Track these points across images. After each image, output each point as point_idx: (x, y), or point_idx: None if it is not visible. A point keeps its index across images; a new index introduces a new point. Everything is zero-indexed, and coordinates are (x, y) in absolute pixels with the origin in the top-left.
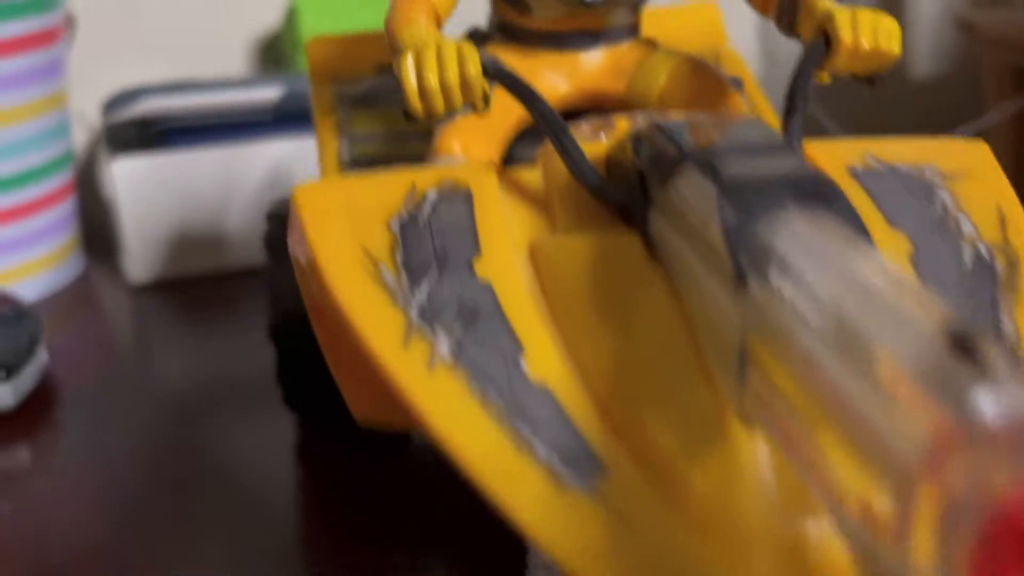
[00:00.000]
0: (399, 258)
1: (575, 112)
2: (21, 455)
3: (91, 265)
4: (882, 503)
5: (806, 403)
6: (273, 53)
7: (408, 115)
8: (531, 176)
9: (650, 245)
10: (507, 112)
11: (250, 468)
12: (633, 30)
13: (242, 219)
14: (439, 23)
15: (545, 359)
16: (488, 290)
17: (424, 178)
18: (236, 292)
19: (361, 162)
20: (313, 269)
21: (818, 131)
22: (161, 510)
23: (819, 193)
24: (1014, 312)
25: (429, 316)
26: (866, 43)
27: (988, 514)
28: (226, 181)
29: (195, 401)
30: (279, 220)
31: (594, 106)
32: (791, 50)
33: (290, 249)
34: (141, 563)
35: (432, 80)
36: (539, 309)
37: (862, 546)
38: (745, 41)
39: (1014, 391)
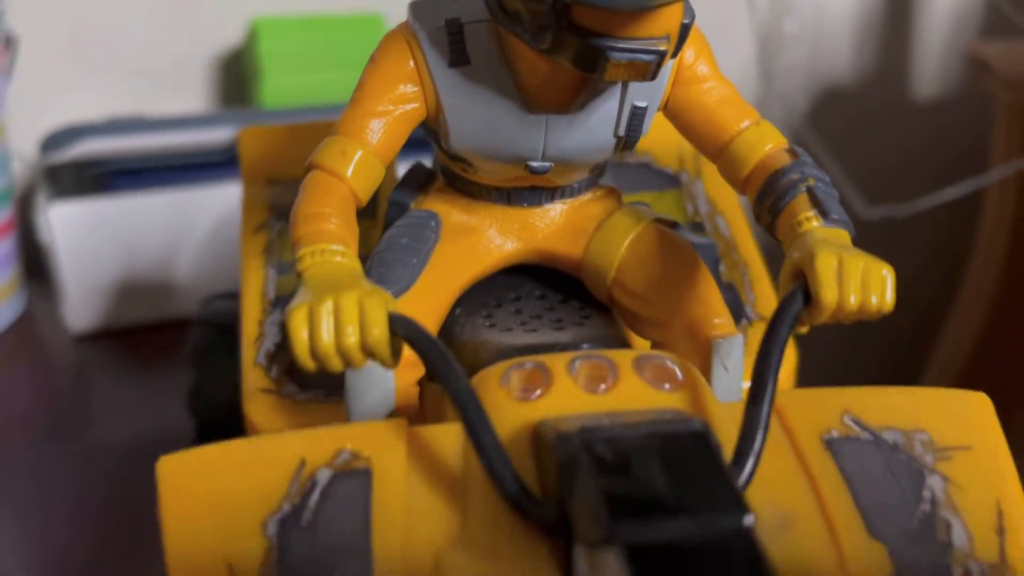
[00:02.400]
0: None
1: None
2: None
3: (33, 305)
4: None
5: None
6: (235, 77)
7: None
8: (450, 440)
9: (570, 557)
10: (469, 257)
11: None
12: (594, 180)
13: (189, 267)
14: (359, 205)
15: None
16: None
17: (317, 451)
18: (179, 343)
19: (286, 301)
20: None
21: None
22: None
23: None
24: None
25: None
26: (853, 301)
27: None
28: (173, 227)
29: (134, 455)
30: (207, 327)
31: (547, 264)
32: (790, 64)
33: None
34: None
35: (325, 343)
36: None
37: None
38: (744, 59)
39: None
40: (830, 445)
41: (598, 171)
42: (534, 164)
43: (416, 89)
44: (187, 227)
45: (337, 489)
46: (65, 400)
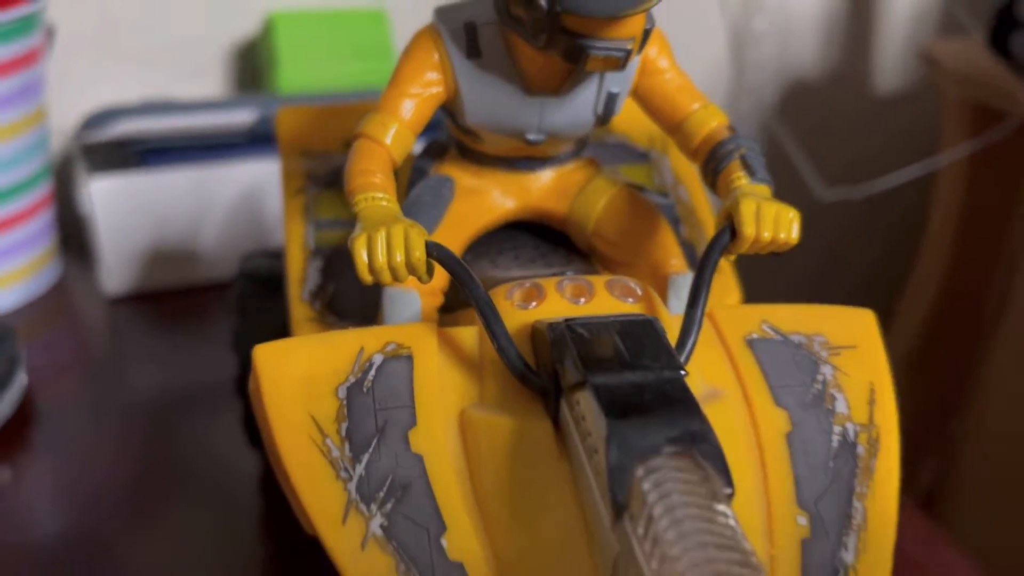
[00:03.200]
0: (344, 430)
1: (522, 222)
2: (2, 475)
3: (68, 271)
4: None
5: None
6: (250, 66)
7: (361, 278)
8: (468, 338)
9: (560, 432)
10: (477, 212)
11: (222, 471)
12: (579, 150)
13: (214, 236)
14: (395, 165)
15: (463, 541)
16: (420, 463)
17: (372, 342)
18: (207, 304)
19: (324, 251)
20: (268, 432)
21: (780, 150)
22: (137, 520)
23: (694, 437)
24: (866, 498)
25: (366, 493)
26: (767, 235)
27: None
28: (200, 200)
29: (167, 410)
30: (247, 279)
31: (539, 219)
32: (759, 59)
33: (251, 400)
34: (118, 572)
35: (380, 261)
36: (463, 483)
37: None
38: (716, 54)
39: None
40: (750, 344)
41: (581, 145)
42: (531, 136)
43: (440, 76)
44: (212, 200)
45: (387, 368)
46: (100, 357)
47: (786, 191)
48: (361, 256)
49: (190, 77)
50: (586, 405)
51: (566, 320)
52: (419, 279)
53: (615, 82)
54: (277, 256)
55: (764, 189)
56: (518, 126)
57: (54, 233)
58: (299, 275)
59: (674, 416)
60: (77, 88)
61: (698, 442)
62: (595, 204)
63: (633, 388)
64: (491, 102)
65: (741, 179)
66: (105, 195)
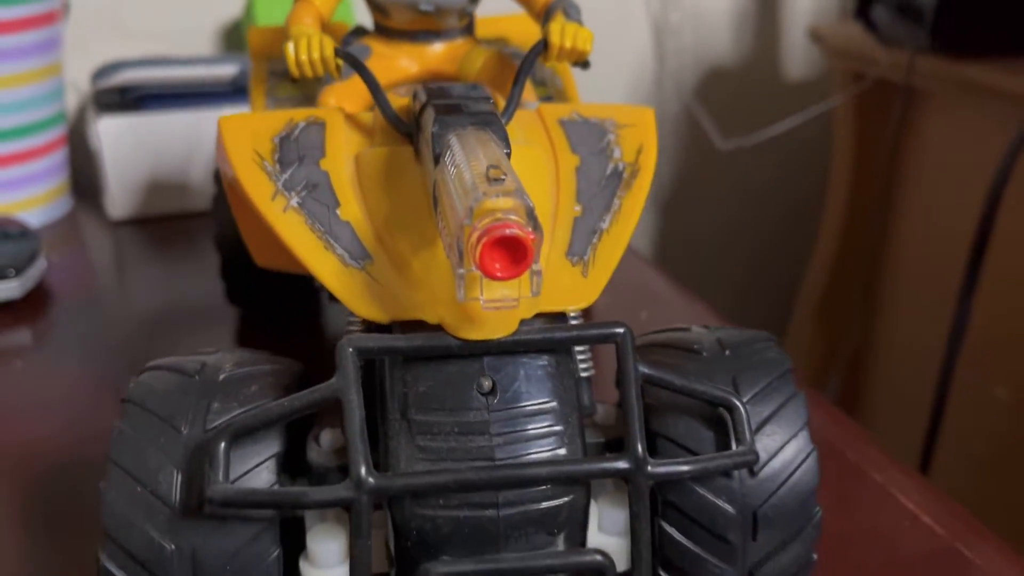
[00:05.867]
0: (276, 157)
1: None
2: (24, 336)
3: (77, 206)
4: (456, 238)
5: (444, 203)
6: (235, 39)
7: (292, 78)
8: (366, 116)
9: (417, 154)
10: (387, 71)
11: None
12: (467, 31)
13: (203, 171)
14: (323, 22)
15: (351, 211)
16: (325, 175)
17: (299, 114)
18: (196, 229)
19: None
20: (226, 163)
21: (694, 123)
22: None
23: (487, 121)
24: (623, 198)
25: (288, 186)
26: (568, 43)
27: (485, 239)
28: (191, 139)
29: (160, 312)
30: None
31: (434, 79)
32: (677, 47)
33: (216, 158)
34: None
35: (303, 55)
36: (353, 186)
37: (452, 260)
38: (641, 45)
39: (516, 198)
40: (561, 123)
41: (467, 26)
42: (423, 6)
43: None
44: (201, 140)
45: (308, 128)
46: (107, 269)
47: (699, 149)
48: (289, 52)
49: (184, 50)
50: (426, 116)
51: (425, 84)
52: (331, 73)
53: None
54: None
55: (575, 24)
56: None
57: (67, 171)
58: None
59: (478, 112)
60: (88, 53)
61: (491, 124)
62: (475, 64)
63: (457, 106)
64: None
65: (560, 18)
66: (111, 133)
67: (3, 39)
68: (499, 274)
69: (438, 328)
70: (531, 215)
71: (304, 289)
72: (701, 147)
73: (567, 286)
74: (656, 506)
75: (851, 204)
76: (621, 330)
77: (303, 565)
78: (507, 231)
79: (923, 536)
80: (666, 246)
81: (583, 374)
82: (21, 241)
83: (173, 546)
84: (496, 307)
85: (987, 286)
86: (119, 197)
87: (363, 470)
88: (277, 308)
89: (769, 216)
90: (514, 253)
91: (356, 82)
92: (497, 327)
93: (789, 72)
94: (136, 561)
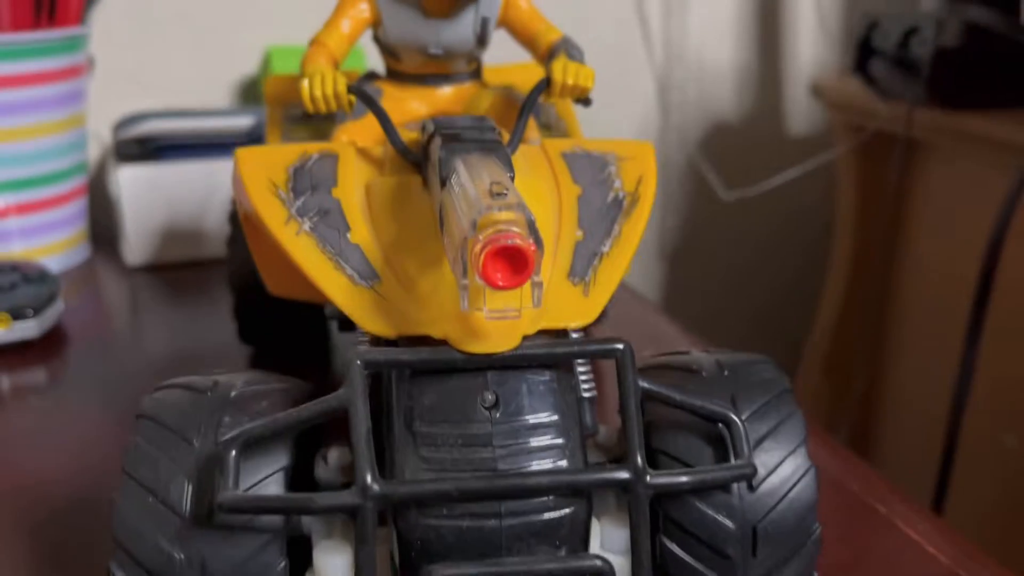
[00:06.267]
0: (290, 186)
1: None
2: (40, 376)
3: (95, 253)
4: (460, 250)
5: (450, 219)
6: (251, 92)
7: (307, 114)
8: (377, 150)
9: (425, 182)
10: (397, 112)
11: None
12: (475, 75)
13: (218, 219)
14: (336, 64)
15: (361, 234)
16: (337, 202)
17: (312, 147)
18: (210, 275)
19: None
20: (242, 192)
21: (698, 175)
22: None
23: (491, 148)
24: (622, 224)
25: (301, 212)
26: (570, 81)
27: (487, 249)
28: (207, 188)
29: (173, 356)
30: (237, 225)
31: None
32: (681, 102)
33: (233, 190)
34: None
35: (317, 91)
36: (364, 213)
37: (456, 272)
38: (647, 99)
39: (515, 211)
40: (564, 155)
41: (474, 68)
42: (432, 50)
43: (368, 6)
44: (217, 188)
45: (321, 160)
46: (123, 313)
47: (703, 199)
48: (304, 89)
49: (203, 102)
50: (434, 144)
51: (435, 119)
52: (343, 109)
53: (486, 9)
54: None
55: (576, 63)
56: (422, 41)
57: (87, 219)
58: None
59: (484, 140)
60: (110, 109)
61: (496, 151)
62: (481, 105)
63: (463, 135)
64: (401, 22)
65: (563, 57)
66: (130, 181)
67: (29, 90)
68: (501, 283)
69: (443, 343)
70: (532, 227)
71: (315, 327)
72: (705, 198)
73: (569, 304)
74: (658, 523)
75: (856, 254)
76: (621, 345)
77: None
78: (508, 241)
79: (927, 562)
80: (673, 294)
81: (586, 394)
82: (40, 284)
83: (183, 555)
84: (499, 317)
85: (992, 333)
86: (136, 244)
87: (368, 477)
88: (289, 347)
89: (775, 265)
90: (515, 263)
91: (369, 120)
92: (500, 341)
93: (791, 125)
94: (145, 570)
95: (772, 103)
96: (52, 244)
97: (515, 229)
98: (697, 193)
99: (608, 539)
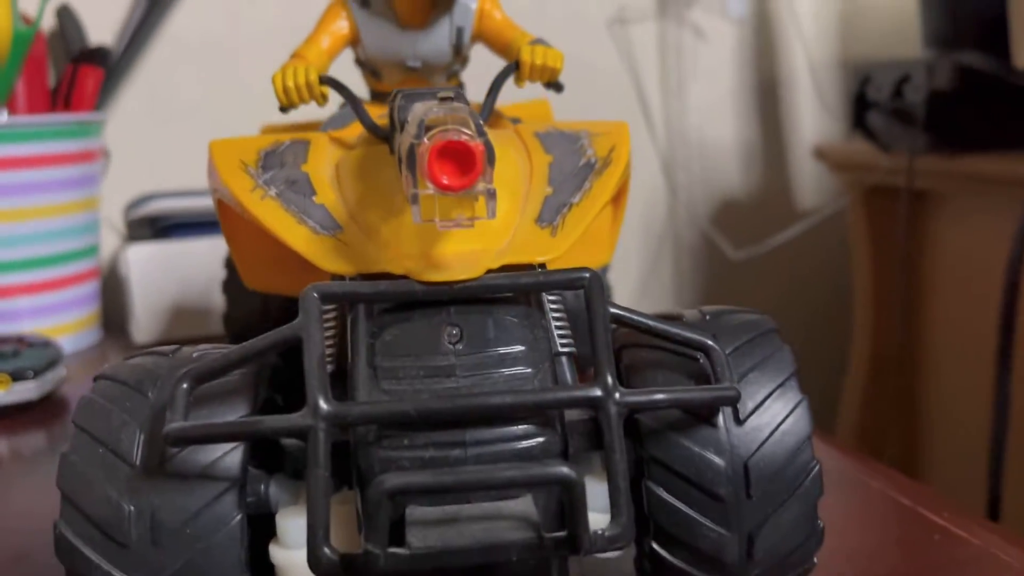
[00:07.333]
0: (260, 164)
1: None
2: (39, 439)
3: (106, 338)
4: (408, 161)
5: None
6: None
7: (281, 108)
8: (350, 135)
9: (392, 151)
10: None
11: None
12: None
13: (222, 295)
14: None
15: (327, 197)
16: (305, 175)
17: (286, 136)
18: None
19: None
20: (214, 176)
21: (711, 243)
22: None
23: (452, 96)
24: (593, 181)
25: (268, 182)
26: (539, 61)
27: (433, 146)
28: (214, 265)
29: None
30: (231, 269)
31: None
32: (687, 180)
33: (208, 181)
34: None
35: (289, 81)
36: (332, 182)
37: (406, 189)
38: (653, 177)
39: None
40: (537, 134)
41: (455, 81)
42: (410, 63)
43: (347, 23)
44: (222, 265)
45: (292, 145)
46: None
47: (714, 262)
48: (277, 81)
49: None
50: (396, 103)
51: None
52: (316, 100)
53: (460, 18)
54: None
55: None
56: (400, 54)
57: (98, 302)
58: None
59: (444, 95)
60: (121, 193)
61: (458, 99)
62: None
63: (421, 95)
64: (379, 36)
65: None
66: (139, 260)
67: (43, 171)
68: (447, 182)
69: (404, 279)
70: (478, 128)
71: None
72: (716, 260)
73: (535, 243)
74: (641, 468)
75: (878, 309)
76: (587, 274)
77: (273, 548)
78: (454, 137)
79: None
80: None
81: (563, 349)
82: (42, 349)
83: (132, 506)
84: (452, 226)
85: (1021, 368)
86: (144, 322)
87: (321, 399)
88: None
89: (792, 325)
90: (463, 163)
91: (354, 128)
92: (461, 270)
93: (799, 192)
94: (93, 523)
95: (777, 172)
96: (62, 325)
97: (462, 128)
98: (708, 258)
99: (594, 497)
